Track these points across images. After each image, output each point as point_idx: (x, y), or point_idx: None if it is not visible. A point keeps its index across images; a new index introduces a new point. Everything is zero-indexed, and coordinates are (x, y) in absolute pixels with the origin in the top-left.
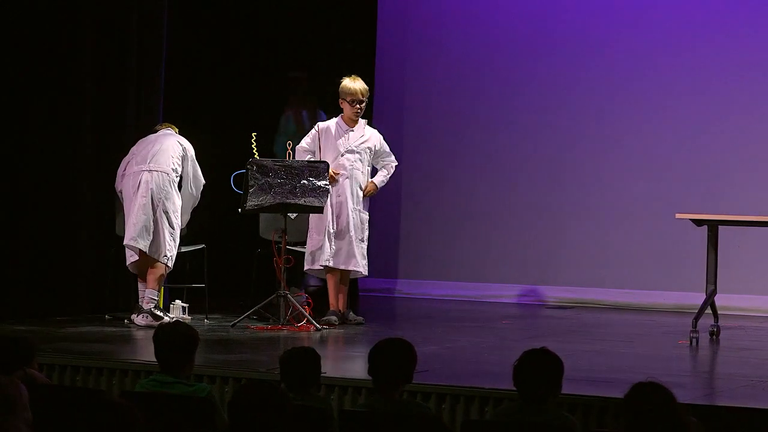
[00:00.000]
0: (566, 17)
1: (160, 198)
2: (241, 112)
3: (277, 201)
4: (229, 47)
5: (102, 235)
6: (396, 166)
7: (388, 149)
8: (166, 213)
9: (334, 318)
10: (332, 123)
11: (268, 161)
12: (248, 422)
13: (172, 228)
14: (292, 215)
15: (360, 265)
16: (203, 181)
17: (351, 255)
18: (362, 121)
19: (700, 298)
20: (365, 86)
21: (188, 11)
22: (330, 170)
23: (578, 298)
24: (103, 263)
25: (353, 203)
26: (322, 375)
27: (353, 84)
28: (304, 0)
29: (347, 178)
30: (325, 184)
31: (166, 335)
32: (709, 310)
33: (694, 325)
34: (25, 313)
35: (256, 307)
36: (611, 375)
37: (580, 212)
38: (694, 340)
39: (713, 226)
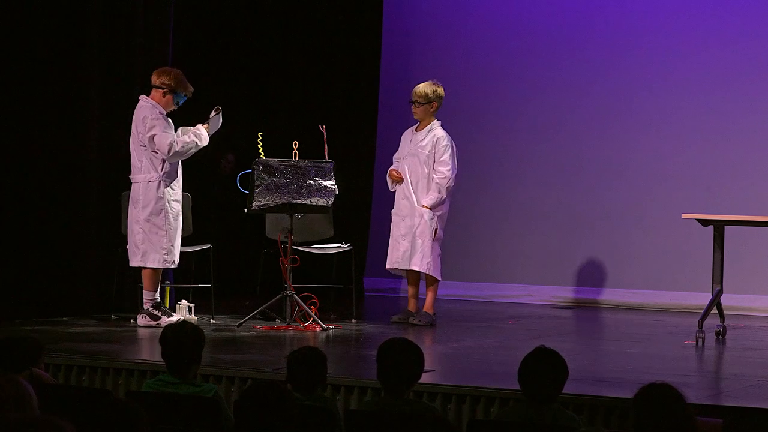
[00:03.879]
0: (575, 21)
1: (138, 208)
2: (247, 112)
3: (284, 201)
4: (235, 46)
5: (108, 235)
6: (443, 179)
7: (441, 156)
8: (148, 220)
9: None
10: (411, 127)
11: (274, 161)
12: (254, 422)
13: (158, 228)
14: (299, 215)
15: (418, 263)
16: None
17: (412, 255)
18: (432, 124)
19: (706, 298)
20: (424, 88)
21: (194, 11)
22: (390, 172)
23: (584, 298)
24: (109, 263)
25: (412, 205)
26: (327, 375)
27: (417, 85)
28: (310, 0)
29: (406, 181)
30: (332, 184)
31: (173, 336)
32: (715, 310)
33: (701, 325)
34: (31, 312)
35: (262, 307)
36: (618, 375)
37: (587, 213)
38: (700, 340)
39: (719, 226)
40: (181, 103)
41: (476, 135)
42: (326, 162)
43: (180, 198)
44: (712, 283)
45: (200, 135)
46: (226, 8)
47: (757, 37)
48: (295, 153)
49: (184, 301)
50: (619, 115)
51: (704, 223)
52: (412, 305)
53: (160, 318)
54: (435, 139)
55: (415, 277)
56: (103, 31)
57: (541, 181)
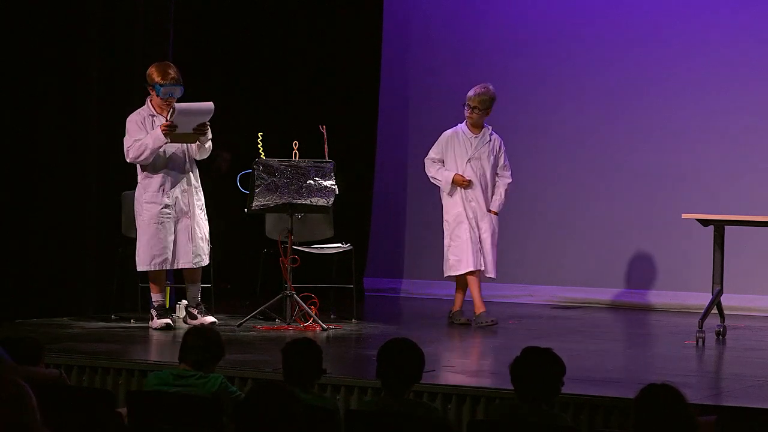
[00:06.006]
0: (575, 20)
1: None
2: (247, 112)
3: (284, 201)
4: (235, 46)
5: (109, 235)
6: (509, 183)
7: (504, 161)
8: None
9: (462, 319)
10: (457, 130)
11: (274, 161)
12: (256, 423)
13: (138, 231)
14: (299, 215)
15: (489, 268)
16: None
17: (485, 260)
18: (488, 128)
19: (706, 298)
20: (483, 94)
21: (194, 11)
22: (457, 177)
23: (584, 298)
24: (110, 263)
25: (480, 208)
26: (327, 375)
27: (471, 90)
28: (311, 0)
29: (475, 184)
30: (332, 184)
31: (196, 340)
32: (715, 310)
33: (701, 325)
34: (31, 312)
35: (262, 307)
36: (617, 375)
37: (587, 212)
38: (700, 340)
39: (719, 226)
40: (165, 93)
41: None
42: (326, 162)
43: (163, 201)
44: (712, 283)
45: (152, 135)
46: (226, 8)
47: (758, 37)
48: (295, 153)
49: (184, 301)
50: (619, 115)
51: (704, 223)
52: (460, 305)
53: (152, 318)
54: (498, 144)
55: (465, 281)
56: (103, 31)
57: (542, 181)
